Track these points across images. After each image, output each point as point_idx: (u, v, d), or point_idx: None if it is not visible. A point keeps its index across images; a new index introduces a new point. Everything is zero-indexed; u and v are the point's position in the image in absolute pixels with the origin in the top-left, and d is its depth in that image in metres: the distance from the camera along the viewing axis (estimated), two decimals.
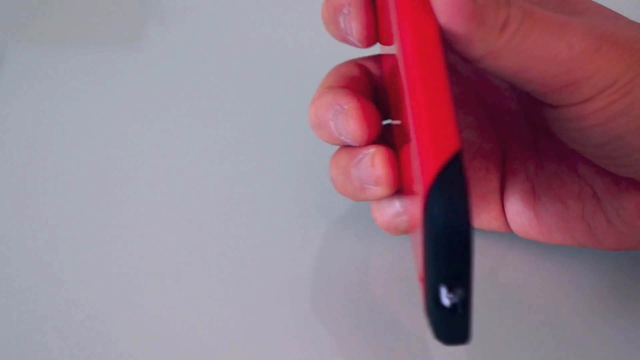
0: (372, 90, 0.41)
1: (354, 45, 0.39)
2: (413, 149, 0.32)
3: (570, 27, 0.35)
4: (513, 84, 0.37)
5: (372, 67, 0.41)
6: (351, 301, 0.41)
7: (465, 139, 0.42)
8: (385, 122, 0.40)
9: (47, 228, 0.43)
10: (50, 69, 0.51)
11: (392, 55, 0.35)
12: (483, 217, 0.41)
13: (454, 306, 0.30)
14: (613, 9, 0.38)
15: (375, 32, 0.38)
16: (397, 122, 0.37)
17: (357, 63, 0.41)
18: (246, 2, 0.56)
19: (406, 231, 0.40)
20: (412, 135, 0.31)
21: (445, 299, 0.30)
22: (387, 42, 0.37)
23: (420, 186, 0.30)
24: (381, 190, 0.38)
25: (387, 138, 0.40)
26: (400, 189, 0.39)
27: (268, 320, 0.40)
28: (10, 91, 0.50)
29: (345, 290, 0.41)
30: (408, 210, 0.37)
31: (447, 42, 0.34)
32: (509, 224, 0.41)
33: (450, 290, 0.30)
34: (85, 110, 0.49)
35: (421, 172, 0.30)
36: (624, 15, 0.39)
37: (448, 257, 0.29)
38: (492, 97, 0.42)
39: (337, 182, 0.40)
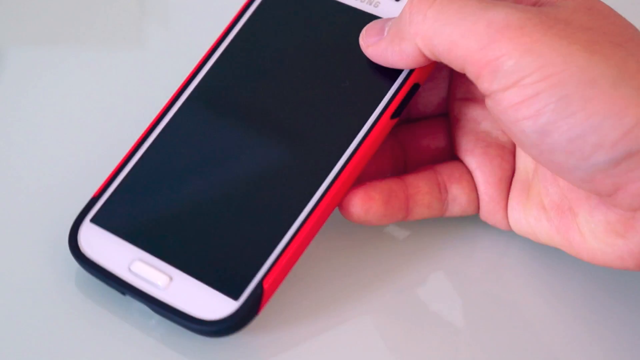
0: None
1: None
2: None
3: (495, 5, 0.35)
4: (451, 67, 0.36)
5: None
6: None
7: (482, 130, 0.42)
8: None
9: (47, 229, 0.43)
10: (50, 69, 0.51)
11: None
12: (492, 207, 0.41)
13: None
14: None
15: None
16: None
17: None
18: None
19: None
20: None
21: None
22: None
23: None
24: None
25: None
26: None
27: None
28: (10, 91, 0.50)
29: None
30: None
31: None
32: (508, 216, 0.41)
33: None
34: (85, 110, 0.49)
35: None
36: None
37: None
38: None
39: None
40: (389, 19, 0.40)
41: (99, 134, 0.48)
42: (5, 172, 0.46)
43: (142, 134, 0.41)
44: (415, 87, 0.40)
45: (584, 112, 0.34)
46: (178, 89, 0.42)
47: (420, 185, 0.41)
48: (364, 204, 0.39)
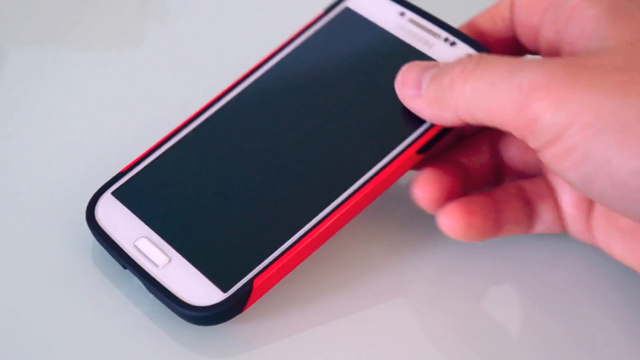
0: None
1: None
2: None
3: (522, 69, 0.35)
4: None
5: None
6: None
7: None
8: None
9: (48, 230, 0.43)
10: (50, 69, 0.51)
11: None
12: (577, 227, 0.41)
13: None
14: None
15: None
16: None
17: None
18: (246, 2, 0.56)
19: None
20: None
21: None
22: None
23: None
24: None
25: None
26: None
27: None
28: (10, 91, 0.50)
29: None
30: None
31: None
32: (594, 235, 0.41)
33: None
34: (85, 110, 0.49)
35: None
36: None
37: None
38: None
39: None
40: (425, 66, 0.40)
41: (98, 134, 0.48)
42: (5, 172, 0.46)
43: (179, 125, 0.43)
44: (448, 129, 0.40)
45: (621, 157, 0.34)
46: (225, 89, 0.43)
47: (510, 202, 0.41)
48: (467, 217, 0.39)
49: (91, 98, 0.50)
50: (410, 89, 0.39)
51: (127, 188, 0.41)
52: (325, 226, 0.38)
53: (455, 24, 0.43)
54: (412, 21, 0.43)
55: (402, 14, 0.43)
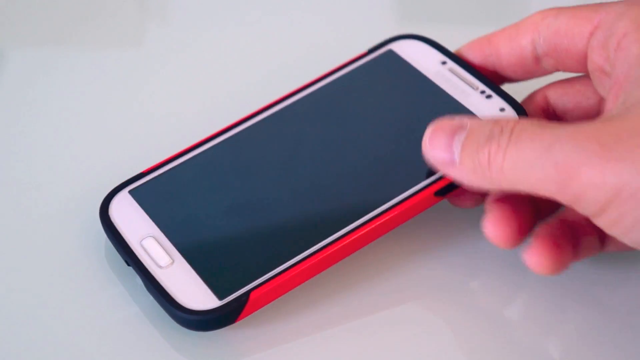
0: None
1: None
2: None
3: (557, 145, 0.35)
4: None
5: None
6: None
7: None
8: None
9: (48, 231, 0.43)
10: (50, 69, 0.51)
11: None
12: None
13: None
14: None
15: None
16: None
17: None
18: (246, 2, 0.56)
19: None
20: None
21: None
22: None
23: None
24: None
25: None
26: None
27: None
28: (10, 91, 0.50)
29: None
30: None
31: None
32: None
33: None
34: (85, 110, 0.49)
35: None
36: None
37: None
38: None
39: None
40: (453, 129, 0.39)
41: (99, 134, 0.48)
42: (5, 171, 0.46)
43: (207, 137, 0.44)
44: None
45: None
46: (258, 110, 0.45)
47: (583, 225, 0.40)
48: (555, 253, 0.38)
49: (91, 98, 0.50)
50: (442, 152, 0.39)
51: (145, 189, 0.42)
52: (330, 252, 0.39)
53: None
54: (452, 70, 0.44)
55: (444, 62, 0.45)
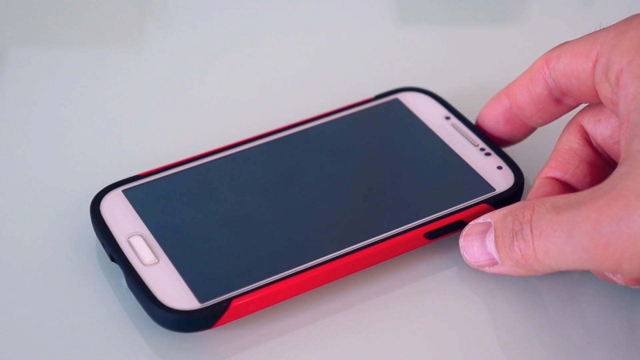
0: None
1: None
2: None
3: (575, 229, 0.36)
4: None
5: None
6: None
7: None
8: None
9: (47, 231, 0.44)
10: (50, 69, 0.51)
11: None
12: None
13: None
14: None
15: None
16: None
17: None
18: (245, 2, 0.56)
19: None
20: None
21: None
22: None
23: None
24: None
25: None
26: None
27: None
28: (10, 91, 0.50)
29: None
30: None
31: None
32: None
33: None
34: (85, 110, 0.49)
35: None
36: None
37: None
38: None
39: None
40: (481, 231, 0.41)
41: (98, 134, 0.48)
42: (5, 171, 0.46)
43: (208, 151, 0.44)
44: (462, 223, 0.42)
45: None
46: (261, 134, 0.45)
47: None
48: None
49: (91, 98, 0.50)
50: (482, 258, 0.40)
51: (139, 190, 0.43)
52: (315, 274, 0.40)
53: None
54: (454, 126, 0.46)
55: (448, 117, 0.47)
